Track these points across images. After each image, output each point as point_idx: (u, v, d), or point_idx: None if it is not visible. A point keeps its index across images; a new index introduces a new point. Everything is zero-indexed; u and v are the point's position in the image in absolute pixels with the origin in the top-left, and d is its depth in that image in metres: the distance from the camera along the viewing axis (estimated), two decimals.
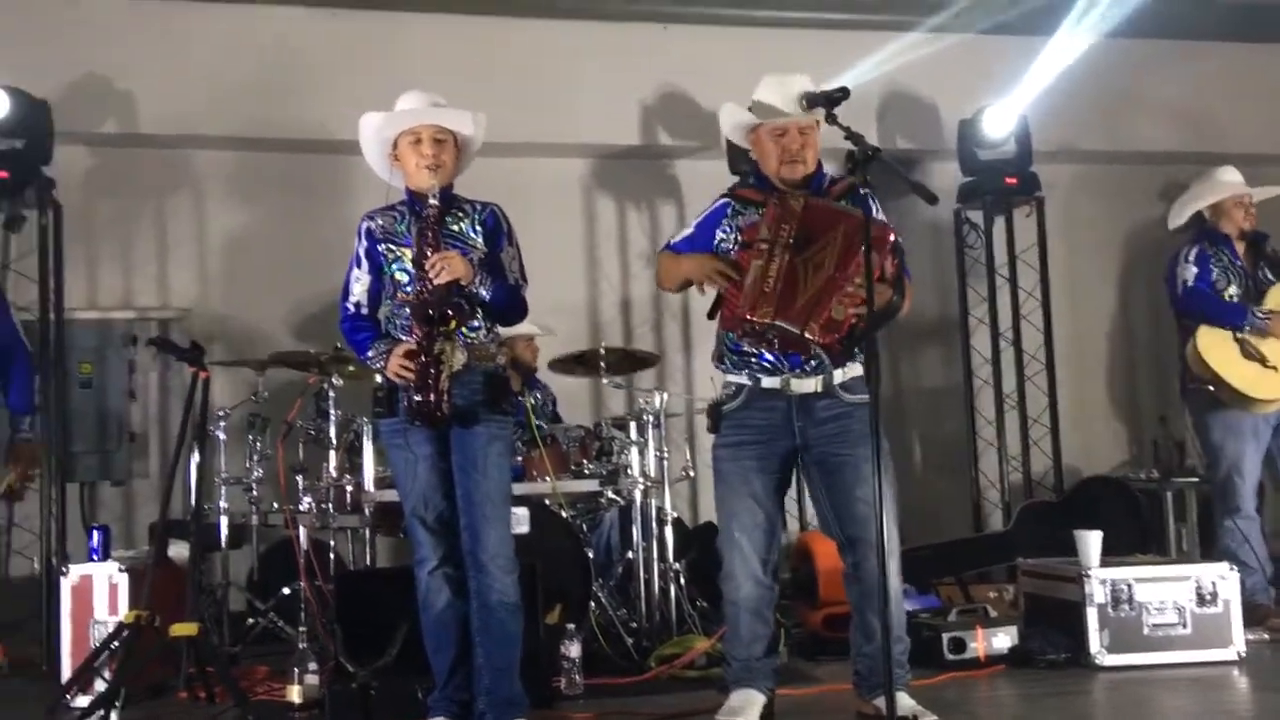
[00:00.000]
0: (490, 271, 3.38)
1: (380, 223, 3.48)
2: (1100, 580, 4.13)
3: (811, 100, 3.04)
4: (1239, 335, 4.88)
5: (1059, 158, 6.77)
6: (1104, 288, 7.08)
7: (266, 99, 5.94)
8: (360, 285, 3.49)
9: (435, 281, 3.25)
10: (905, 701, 3.23)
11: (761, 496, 3.41)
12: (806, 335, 3.16)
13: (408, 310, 3.34)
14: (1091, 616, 4.10)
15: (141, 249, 6.19)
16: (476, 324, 3.38)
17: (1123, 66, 6.49)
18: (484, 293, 3.35)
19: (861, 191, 3.25)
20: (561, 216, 6.56)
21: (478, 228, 3.44)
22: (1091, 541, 4.23)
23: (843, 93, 2.99)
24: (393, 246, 3.44)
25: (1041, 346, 6.49)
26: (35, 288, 5.54)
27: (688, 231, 3.58)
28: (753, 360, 3.41)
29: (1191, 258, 5.00)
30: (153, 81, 5.89)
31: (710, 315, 3.46)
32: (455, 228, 3.41)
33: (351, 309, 3.51)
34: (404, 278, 3.40)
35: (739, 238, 3.39)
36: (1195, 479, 6.08)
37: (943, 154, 6.65)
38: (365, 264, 3.49)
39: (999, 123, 6.27)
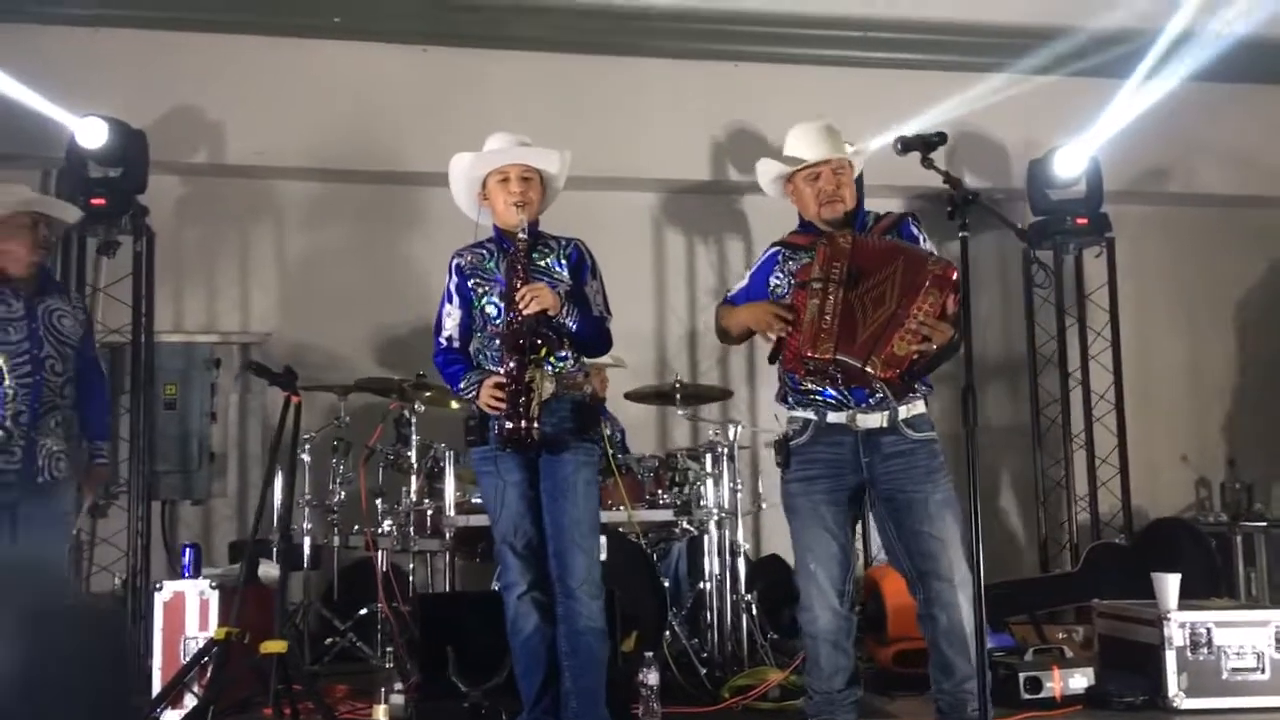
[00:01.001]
0: (576, 304, 3.49)
1: (469, 259, 3.60)
2: (1179, 624, 4.13)
3: (906, 144, 3.10)
4: None
5: (1130, 199, 6.78)
6: (1173, 329, 7.06)
7: (350, 132, 6.13)
8: (452, 320, 3.61)
9: (525, 312, 3.36)
10: None
11: (834, 528, 3.46)
12: (868, 370, 3.20)
13: (498, 341, 3.45)
14: (1170, 659, 4.10)
15: (225, 275, 6.38)
16: (564, 354, 3.49)
17: (1195, 110, 6.51)
18: (570, 324, 3.45)
19: (911, 226, 3.34)
20: (631, 249, 6.68)
21: (563, 262, 3.56)
22: (1170, 584, 4.22)
23: (940, 137, 3.06)
24: (481, 281, 3.55)
25: (1110, 387, 6.48)
26: (126, 311, 5.75)
27: (743, 284, 3.67)
28: (817, 398, 3.46)
29: None
30: (241, 114, 6.09)
31: (771, 360, 3.52)
32: (542, 262, 3.53)
33: (444, 343, 3.62)
34: (493, 311, 3.51)
35: (792, 281, 3.46)
36: (1264, 523, 6.03)
37: (1015, 194, 6.69)
38: (456, 299, 3.60)
39: (1070, 163, 6.31)
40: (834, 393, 3.43)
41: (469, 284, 3.57)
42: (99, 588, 5.87)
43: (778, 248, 3.62)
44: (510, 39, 6.33)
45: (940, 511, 3.39)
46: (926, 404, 3.49)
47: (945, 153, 6.54)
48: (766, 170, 3.65)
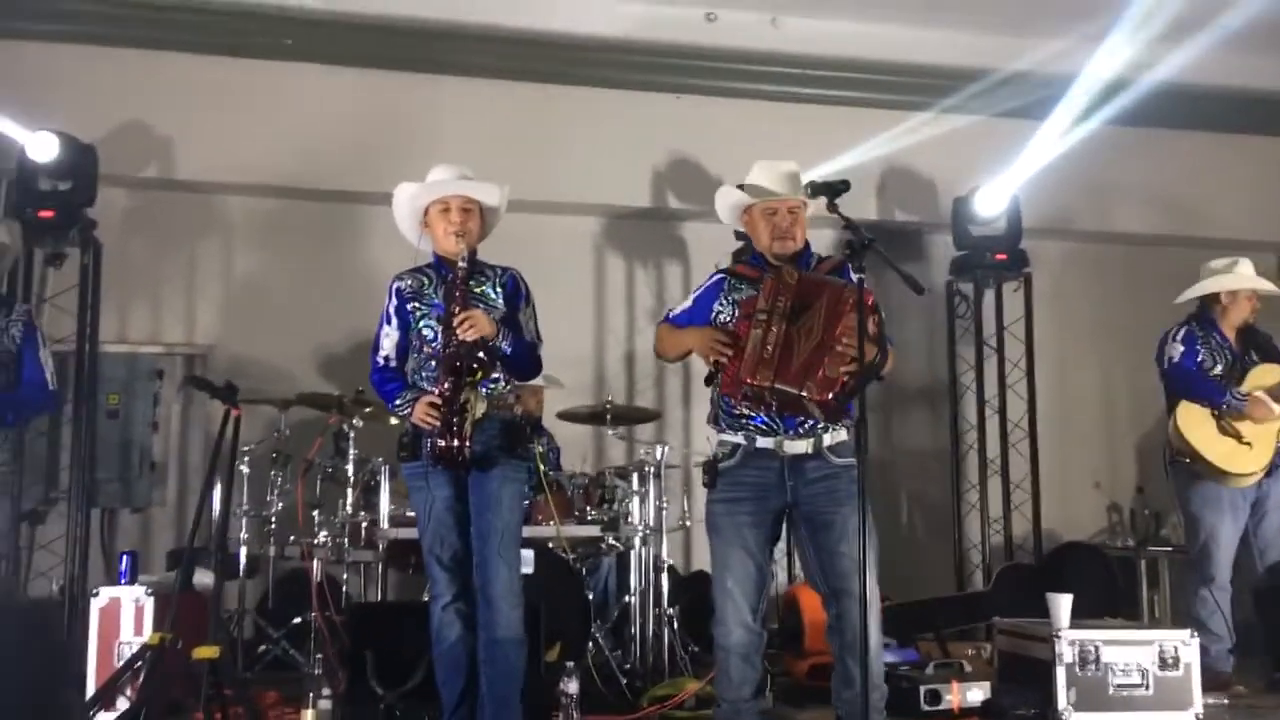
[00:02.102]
0: (510, 329, 3.68)
1: (409, 284, 3.77)
2: (1069, 641, 4.37)
3: (815, 189, 3.34)
4: (1216, 413, 5.13)
5: (1048, 235, 7.12)
6: (1088, 361, 7.38)
7: (297, 151, 6.28)
8: (390, 340, 3.77)
9: (464, 338, 3.54)
10: None
11: (753, 549, 3.65)
12: (804, 394, 3.41)
13: (433, 363, 3.62)
14: (1060, 675, 4.34)
15: (171, 287, 6.51)
16: (497, 376, 3.67)
17: (1111, 152, 6.85)
18: (505, 348, 3.64)
19: (850, 271, 3.57)
20: (572, 272, 6.87)
21: (499, 289, 3.75)
22: (1063, 604, 4.47)
23: (844, 185, 3.29)
24: (419, 305, 3.72)
25: (1025, 415, 6.77)
26: (71, 321, 5.84)
27: (686, 305, 3.86)
28: (748, 423, 3.66)
29: (1179, 337, 5.23)
30: (190, 130, 6.22)
31: (708, 382, 3.71)
32: (479, 289, 3.72)
33: (381, 362, 3.78)
34: (429, 334, 3.69)
35: (736, 311, 3.66)
36: (1169, 548, 6.34)
37: (940, 228, 7.00)
38: (395, 321, 3.76)
39: (991, 201, 6.62)
40: (765, 419, 3.63)
41: (408, 307, 3.74)
42: (37, 593, 5.95)
43: (723, 275, 3.82)
44: (457, 65, 6.52)
45: (856, 534, 3.60)
46: (848, 433, 3.68)
47: (876, 187, 7.02)
48: (727, 196, 3.85)
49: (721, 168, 6.70)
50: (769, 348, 3.44)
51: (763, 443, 3.64)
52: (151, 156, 6.22)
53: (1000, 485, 6.78)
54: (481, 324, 3.56)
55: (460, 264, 3.64)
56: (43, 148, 5.60)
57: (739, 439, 3.67)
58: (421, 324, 3.71)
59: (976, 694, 4.46)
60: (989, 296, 6.93)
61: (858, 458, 3.14)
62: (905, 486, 7.20)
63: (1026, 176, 6.56)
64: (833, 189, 3.29)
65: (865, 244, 3.15)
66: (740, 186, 3.82)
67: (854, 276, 3.55)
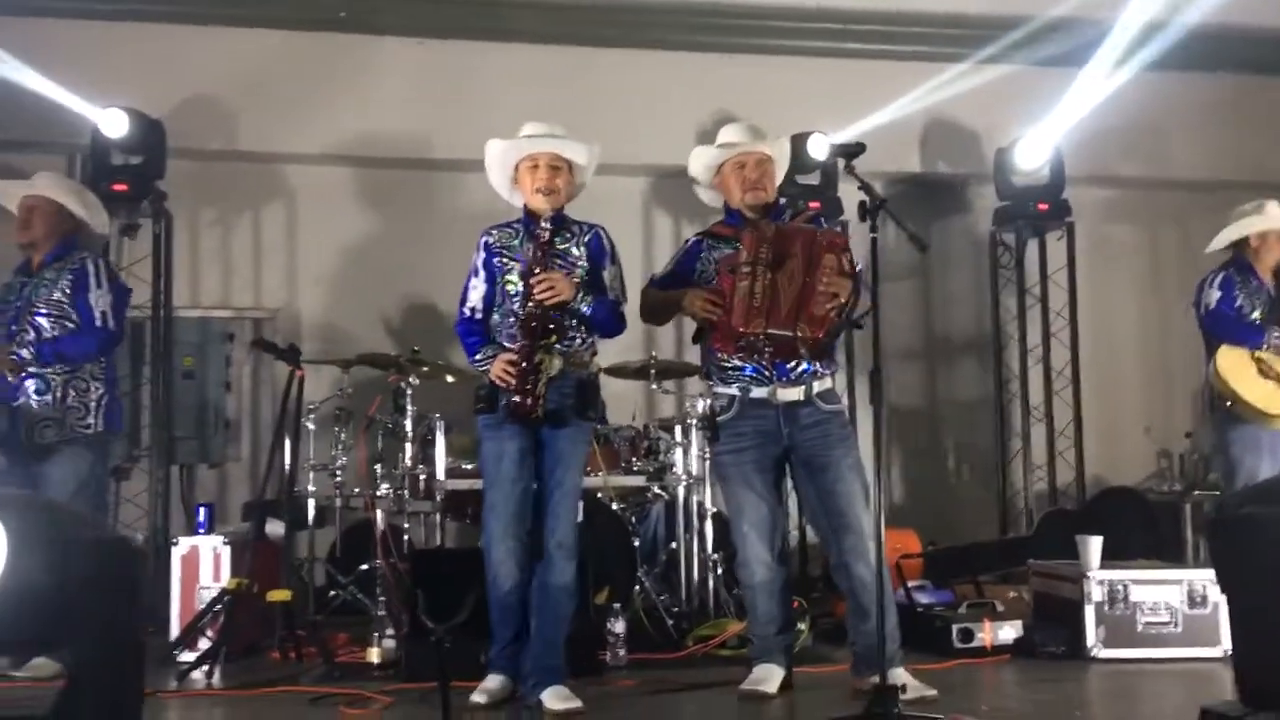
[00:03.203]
0: (593, 289, 3.81)
1: (498, 237, 3.89)
2: (1098, 581, 4.53)
3: (833, 152, 3.50)
4: (1256, 355, 5.17)
5: (1091, 183, 7.13)
6: (1133, 308, 7.42)
7: (355, 120, 6.53)
8: (476, 293, 3.89)
9: (539, 299, 3.67)
10: (900, 674, 3.67)
11: (763, 491, 3.87)
12: (797, 334, 3.58)
13: (513, 319, 3.76)
14: (1089, 613, 4.51)
15: (239, 254, 6.81)
16: (574, 335, 3.80)
17: (1152, 98, 6.83)
18: (584, 309, 3.77)
19: (822, 223, 3.80)
20: (621, 230, 6.97)
21: (582, 248, 3.86)
22: (1093, 546, 4.62)
23: (859, 147, 3.44)
24: (506, 259, 3.84)
25: (1068, 363, 6.85)
26: (147, 289, 6.19)
27: (668, 268, 4.06)
28: (740, 374, 3.85)
29: (1217, 283, 5.28)
30: (253, 103, 6.49)
31: (695, 340, 3.91)
32: (563, 247, 3.82)
33: (467, 314, 3.91)
34: (513, 289, 3.80)
35: (717, 268, 3.84)
36: (1216, 492, 6.39)
37: (983, 179, 7.05)
38: (482, 273, 3.88)
39: (1033, 151, 6.65)
40: (755, 369, 3.81)
41: (495, 260, 3.85)
42: None
43: (700, 237, 4.02)
44: (506, 32, 6.70)
45: (850, 474, 3.82)
46: (833, 381, 3.90)
47: (919, 140, 7.06)
48: (700, 155, 4.01)
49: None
50: (757, 297, 3.60)
51: (757, 393, 3.84)
52: (216, 129, 6.50)
53: (1045, 433, 6.87)
54: (560, 287, 3.66)
55: (543, 224, 3.73)
56: (113, 124, 5.90)
57: (733, 391, 3.87)
58: (506, 278, 3.81)
59: (1009, 632, 4.63)
60: (1032, 247, 6.98)
61: (874, 406, 3.30)
62: (951, 434, 7.33)
63: (1068, 125, 6.59)
64: (848, 151, 3.44)
65: (878, 204, 3.30)
66: None
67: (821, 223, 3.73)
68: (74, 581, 1.67)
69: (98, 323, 4.44)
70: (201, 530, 4.92)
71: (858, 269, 3.63)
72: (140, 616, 2.21)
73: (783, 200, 3.97)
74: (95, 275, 4.46)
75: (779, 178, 3.99)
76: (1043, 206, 6.66)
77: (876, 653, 3.33)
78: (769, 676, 3.84)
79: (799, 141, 5.92)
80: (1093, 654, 4.49)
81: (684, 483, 5.19)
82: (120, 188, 5.97)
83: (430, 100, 6.53)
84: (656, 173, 7.18)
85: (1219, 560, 2.80)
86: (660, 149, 6.99)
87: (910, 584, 5.05)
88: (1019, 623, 4.68)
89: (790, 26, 6.90)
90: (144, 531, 6.12)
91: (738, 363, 3.81)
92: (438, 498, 5.11)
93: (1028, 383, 6.92)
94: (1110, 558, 4.68)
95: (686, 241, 4.07)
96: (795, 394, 3.80)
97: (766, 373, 3.81)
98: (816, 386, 3.82)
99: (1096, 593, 4.52)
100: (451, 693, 2.97)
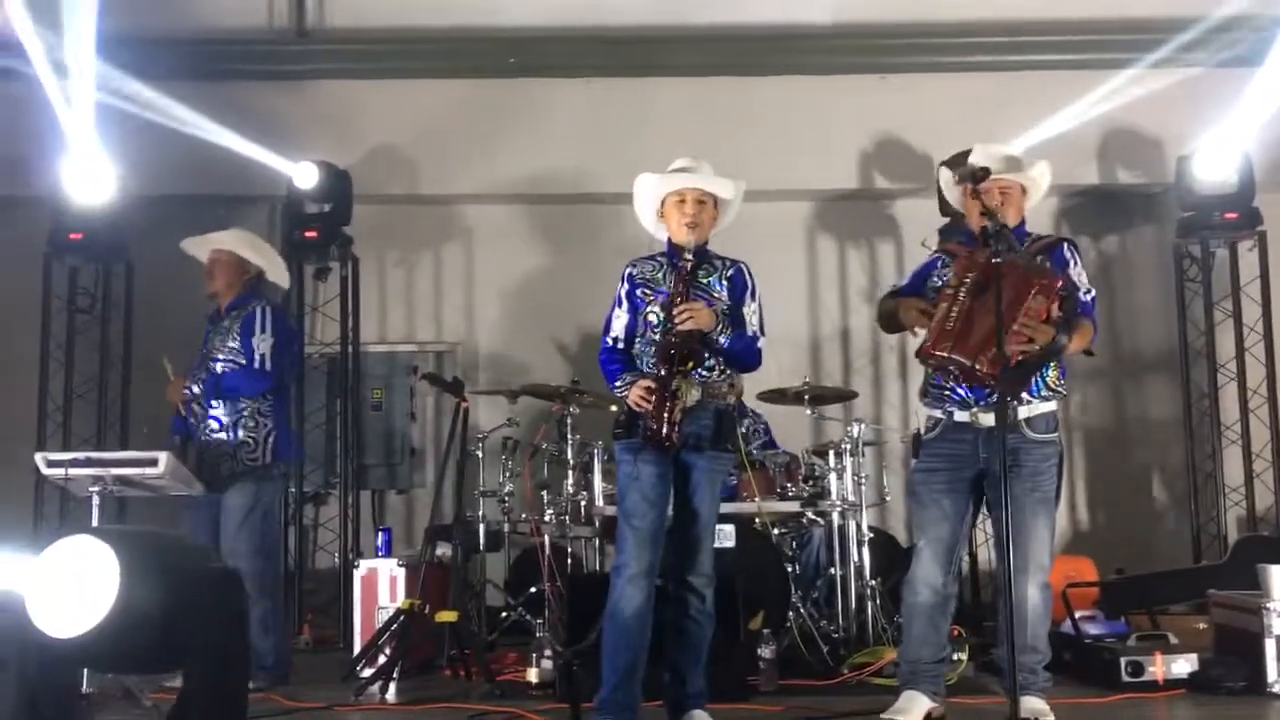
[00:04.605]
0: (732, 323, 3.87)
1: (640, 269, 3.98)
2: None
3: (961, 176, 3.47)
4: None
5: None
6: None
7: (529, 158, 6.84)
8: (619, 322, 3.98)
9: (680, 328, 3.75)
10: (1033, 703, 3.57)
11: (949, 514, 3.85)
12: (976, 367, 3.57)
13: (653, 348, 3.85)
14: (1270, 647, 4.23)
15: (420, 291, 7.22)
16: (712, 365, 3.85)
17: None
18: (723, 340, 3.83)
19: (1064, 251, 3.75)
20: (784, 256, 7.08)
21: (724, 282, 3.91)
22: (1275, 574, 4.34)
23: (984, 172, 3.40)
24: (648, 291, 3.93)
25: (1264, 380, 6.44)
26: (337, 327, 6.65)
27: (905, 281, 4.12)
28: (947, 394, 3.85)
29: None
30: (431, 149, 6.88)
31: (916, 354, 3.91)
32: (705, 280, 3.89)
33: (610, 343, 4.01)
34: (654, 319, 3.88)
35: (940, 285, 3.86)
36: None
37: (1167, 188, 6.73)
38: (625, 304, 3.97)
39: (1217, 159, 6.31)
40: (961, 391, 3.81)
41: (637, 292, 3.94)
42: (321, 565, 6.82)
43: (939, 254, 4.06)
44: (666, 67, 6.88)
45: (1034, 508, 3.74)
46: (1053, 406, 3.81)
47: (1097, 151, 6.81)
48: (946, 178, 4.14)
49: (928, 144, 6.73)
50: (952, 320, 3.62)
51: (960, 416, 3.83)
52: (398, 175, 6.93)
53: (1241, 454, 6.47)
54: (701, 317, 3.72)
55: (686, 256, 3.82)
56: (305, 176, 6.39)
57: (939, 413, 3.88)
58: (648, 309, 3.90)
59: (1183, 666, 4.40)
60: (1221, 258, 6.61)
61: (998, 430, 3.24)
62: (1140, 455, 7.00)
63: (1254, 128, 6.22)
64: (974, 175, 3.40)
65: (999, 230, 3.25)
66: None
67: (1066, 255, 3.70)
68: (181, 608, 1.85)
69: (256, 365, 4.80)
70: (381, 553, 5.25)
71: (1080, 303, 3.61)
72: (244, 641, 2.41)
73: (1026, 228, 3.93)
74: (260, 321, 4.83)
75: (1034, 201, 3.96)
76: (1231, 215, 6.30)
77: (1009, 681, 3.26)
78: (912, 706, 3.79)
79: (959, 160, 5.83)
80: (1273, 689, 4.21)
81: (839, 508, 5.17)
82: (311, 234, 6.46)
83: (595, 137, 6.76)
84: (819, 197, 7.20)
85: None
86: (822, 173, 7.03)
87: (1079, 614, 4.86)
88: (1194, 656, 4.44)
89: (951, 43, 6.81)
90: (337, 554, 6.54)
91: (950, 384, 3.82)
92: (595, 523, 5.27)
93: (1218, 400, 6.53)
94: None
95: (929, 257, 4.10)
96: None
97: (969, 395, 3.81)
98: (1023, 412, 3.77)
99: (1278, 625, 4.24)
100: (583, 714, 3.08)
